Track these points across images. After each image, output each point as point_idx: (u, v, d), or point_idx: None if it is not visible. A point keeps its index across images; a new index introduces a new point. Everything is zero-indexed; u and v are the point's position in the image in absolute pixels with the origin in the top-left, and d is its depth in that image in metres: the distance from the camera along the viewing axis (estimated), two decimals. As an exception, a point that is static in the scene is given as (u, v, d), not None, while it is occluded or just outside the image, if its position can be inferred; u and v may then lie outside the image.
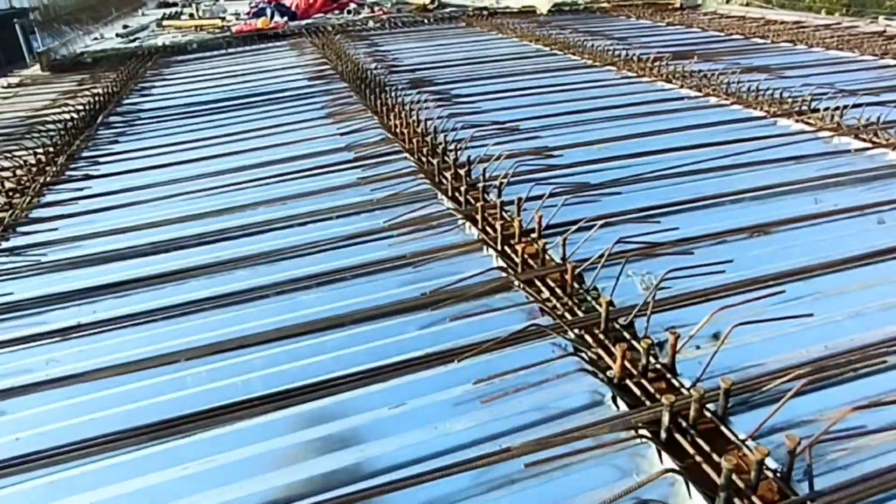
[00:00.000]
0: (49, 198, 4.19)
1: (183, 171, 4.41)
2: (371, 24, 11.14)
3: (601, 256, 2.57)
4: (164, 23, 12.62)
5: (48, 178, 4.51)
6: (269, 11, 11.62)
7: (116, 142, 5.34)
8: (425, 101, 5.39)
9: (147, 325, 2.59)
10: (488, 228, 3.18)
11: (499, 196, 3.42)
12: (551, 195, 3.27)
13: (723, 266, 2.59)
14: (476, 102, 5.42)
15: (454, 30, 10.38)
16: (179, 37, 11.16)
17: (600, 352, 2.22)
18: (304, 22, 11.37)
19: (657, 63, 6.12)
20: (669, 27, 9.22)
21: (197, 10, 13.63)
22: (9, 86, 8.72)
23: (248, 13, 12.39)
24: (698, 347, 2.17)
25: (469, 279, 2.66)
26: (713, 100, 5.14)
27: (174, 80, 8.04)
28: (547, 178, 3.69)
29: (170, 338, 2.46)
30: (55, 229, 3.68)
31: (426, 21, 11.29)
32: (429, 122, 4.63)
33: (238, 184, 4.03)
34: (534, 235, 2.96)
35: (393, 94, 5.66)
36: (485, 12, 11.47)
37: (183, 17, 13.57)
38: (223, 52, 10.02)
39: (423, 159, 4.13)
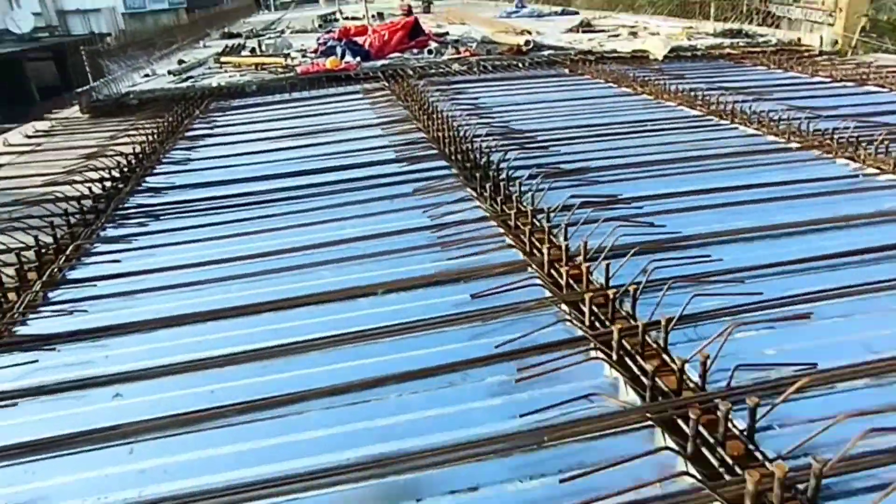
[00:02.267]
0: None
1: (209, 336, 2.66)
2: (456, 66, 9.47)
3: None
4: (222, 59, 11.22)
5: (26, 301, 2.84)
6: (339, 50, 10.09)
7: (119, 252, 3.63)
8: (586, 211, 3.50)
9: None
10: None
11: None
12: None
13: None
14: (660, 213, 3.50)
15: (559, 78, 8.59)
16: (237, 76, 9.72)
17: None
18: (378, 63, 9.77)
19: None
20: (837, 84, 7.17)
21: (259, 45, 12.22)
22: (32, 134, 7.29)
23: (315, 51, 10.90)
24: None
25: None
26: None
27: (221, 137, 6.45)
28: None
29: None
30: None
31: (521, 65, 9.55)
32: (609, 265, 2.77)
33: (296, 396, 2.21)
34: None
35: (529, 196, 3.76)
36: (590, 57, 9.67)
37: (244, 52, 12.19)
38: (286, 96, 8.50)
39: (638, 366, 2.15)
